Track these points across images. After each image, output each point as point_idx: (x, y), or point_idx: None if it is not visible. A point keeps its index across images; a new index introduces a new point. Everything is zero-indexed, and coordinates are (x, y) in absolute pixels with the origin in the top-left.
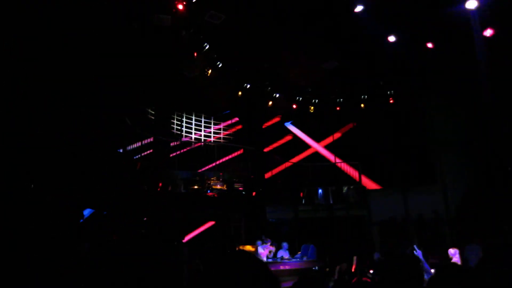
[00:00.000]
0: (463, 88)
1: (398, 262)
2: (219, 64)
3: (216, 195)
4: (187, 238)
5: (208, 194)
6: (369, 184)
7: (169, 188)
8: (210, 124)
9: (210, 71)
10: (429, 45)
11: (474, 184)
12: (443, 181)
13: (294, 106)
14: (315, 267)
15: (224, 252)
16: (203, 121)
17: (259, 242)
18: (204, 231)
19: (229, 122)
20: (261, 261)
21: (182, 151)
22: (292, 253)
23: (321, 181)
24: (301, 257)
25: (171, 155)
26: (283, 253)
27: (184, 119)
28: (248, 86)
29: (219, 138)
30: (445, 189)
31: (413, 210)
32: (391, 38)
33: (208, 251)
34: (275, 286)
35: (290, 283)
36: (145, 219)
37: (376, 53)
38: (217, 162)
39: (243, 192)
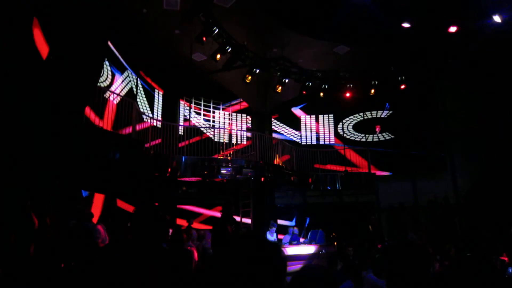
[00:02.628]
0: (477, 76)
1: (408, 249)
2: (228, 49)
3: (225, 181)
4: (195, 222)
5: (217, 179)
6: (378, 170)
7: (178, 174)
8: (219, 109)
9: (219, 56)
10: (452, 29)
11: (484, 172)
12: (453, 168)
13: (304, 92)
14: (322, 251)
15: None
16: (211, 106)
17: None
18: (213, 216)
19: (238, 107)
20: (272, 242)
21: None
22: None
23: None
24: (309, 242)
25: (180, 141)
26: (291, 238)
27: (192, 104)
28: (258, 71)
29: (228, 123)
30: (455, 177)
31: (422, 197)
32: (405, 24)
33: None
34: (283, 268)
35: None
36: (156, 204)
37: (388, 38)
38: (226, 148)
39: (252, 178)
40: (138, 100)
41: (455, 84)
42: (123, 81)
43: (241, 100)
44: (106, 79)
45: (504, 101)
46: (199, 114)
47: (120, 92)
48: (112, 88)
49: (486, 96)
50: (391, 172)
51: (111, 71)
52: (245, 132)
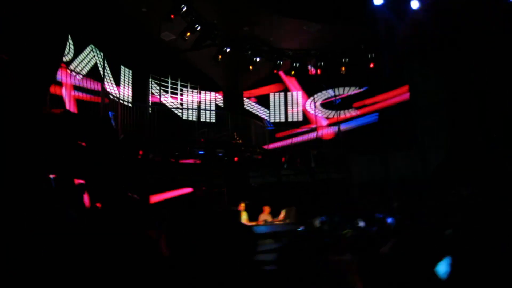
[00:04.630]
0: (444, 52)
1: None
2: (197, 27)
3: (198, 161)
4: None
5: (189, 160)
6: (350, 147)
7: (150, 156)
8: (187, 88)
9: (188, 34)
10: (414, 5)
11: (452, 147)
12: (422, 144)
13: (275, 71)
14: (300, 228)
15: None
16: (179, 85)
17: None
18: (184, 196)
19: (208, 86)
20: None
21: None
22: (274, 217)
23: (303, 145)
24: (284, 220)
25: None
26: (266, 217)
27: (160, 83)
28: (228, 50)
29: (198, 103)
30: (424, 152)
31: (393, 172)
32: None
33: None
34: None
35: (272, 245)
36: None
37: (358, 17)
38: (198, 129)
39: (225, 158)
40: (105, 79)
41: (423, 64)
42: (86, 56)
43: (213, 78)
44: (68, 53)
45: (468, 78)
46: (166, 92)
47: (83, 68)
48: (75, 64)
49: (451, 74)
50: (362, 148)
51: (72, 46)
52: (216, 111)
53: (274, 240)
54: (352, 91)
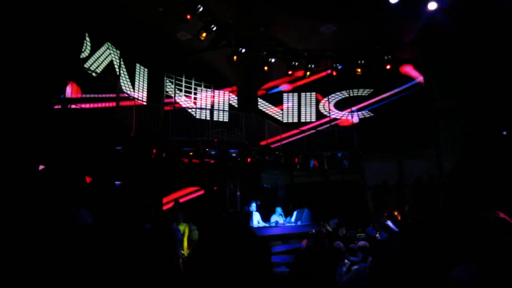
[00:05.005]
0: (462, 54)
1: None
2: (213, 28)
3: (211, 162)
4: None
5: (203, 160)
6: (364, 149)
7: (163, 155)
8: (201, 87)
9: (204, 34)
10: (432, 6)
11: (468, 150)
12: (437, 147)
13: (290, 72)
14: (312, 230)
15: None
16: (193, 84)
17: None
18: (198, 197)
19: (223, 86)
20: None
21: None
22: (286, 218)
23: (317, 146)
24: (296, 222)
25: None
26: (277, 218)
27: (174, 82)
28: (243, 50)
29: (213, 103)
30: (439, 155)
31: (407, 175)
32: (392, 0)
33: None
34: (265, 252)
35: (283, 247)
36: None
37: (375, 17)
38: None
39: (238, 159)
40: (120, 77)
41: (441, 63)
42: (102, 54)
43: (227, 78)
44: (85, 50)
45: (487, 79)
46: (180, 91)
47: (100, 65)
48: (91, 61)
49: (470, 74)
50: (376, 151)
51: (90, 43)
52: (229, 111)
53: (282, 242)
54: (367, 93)
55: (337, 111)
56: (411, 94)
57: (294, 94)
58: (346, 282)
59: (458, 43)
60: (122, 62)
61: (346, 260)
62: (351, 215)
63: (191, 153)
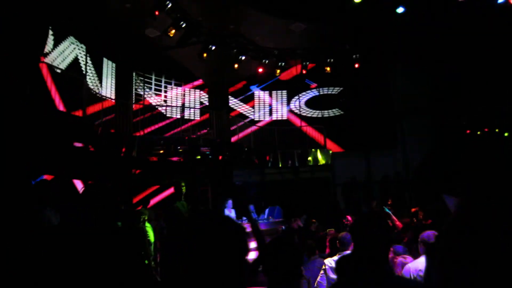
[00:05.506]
0: (428, 54)
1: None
2: (182, 24)
3: (182, 160)
4: (152, 202)
5: (173, 158)
6: (333, 147)
7: (133, 153)
8: (171, 84)
9: (173, 31)
10: (400, 10)
11: (433, 148)
12: (404, 145)
13: (261, 70)
14: (282, 227)
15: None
16: (163, 82)
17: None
18: (170, 196)
19: (193, 84)
20: (235, 222)
21: (145, 115)
22: (259, 215)
23: (287, 144)
24: (267, 218)
25: (134, 119)
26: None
27: (144, 80)
28: (213, 47)
29: (184, 102)
30: (406, 153)
31: (375, 172)
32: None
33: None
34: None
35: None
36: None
37: (343, 16)
38: (182, 126)
39: (210, 156)
40: (87, 74)
41: (406, 64)
42: (66, 49)
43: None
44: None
45: (451, 79)
46: (149, 89)
47: (64, 60)
48: (53, 55)
49: (434, 73)
50: (345, 149)
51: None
52: (200, 109)
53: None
54: (337, 91)
55: (309, 109)
56: (379, 93)
57: (266, 92)
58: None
59: (423, 43)
60: (88, 58)
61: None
62: (321, 211)
63: (161, 151)
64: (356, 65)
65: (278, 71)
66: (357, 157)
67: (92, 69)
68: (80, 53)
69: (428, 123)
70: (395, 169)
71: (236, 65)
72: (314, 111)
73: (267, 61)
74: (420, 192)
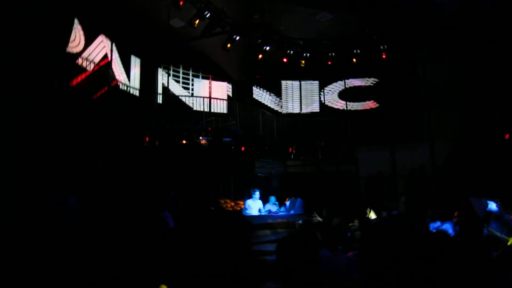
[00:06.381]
0: (458, 46)
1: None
2: (207, 14)
3: (205, 150)
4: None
5: (197, 148)
6: (357, 140)
7: (157, 143)
8: (199, 77)
9: (197, 21)
10: None
11: (460, 144)
12: (431, 138)
13: (285, 60)
14: (299, 221)
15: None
16: (191, 75)
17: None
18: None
19: (219, 76)
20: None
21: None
22: (280, 207)
23: (311, 136)
24: (288, 211)
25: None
26: (271, 207)
27: (172, 73)
28: (238, 38)
29: (211, 94)
30: (432, 146)
31: (401, 166)
32: None
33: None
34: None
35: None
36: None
37: (371, 6)
38: (206, 117)
39: (232, 147)
40: (114, 68)
41: (436, 55)
42: (96, 47)
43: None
44: (79, 44)
45: (483, 72)
46: (177, 82)
47: (94, 58)
48: (85, 54)
49: (465, 66)
50: (371, 142)
51: (84, 35)
52: (225, 101)
53: (271, 231)
54: (365, 82)
55: (341, 101)
56: (408, 85)
57: (294, 82)
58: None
59: (455, 35)
60: (116, 54)
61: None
62: (345, 205)
63: (184, 141)
64: (384, 56)
65: (303, 62)
66: (382, 150)
67: (120, 64)
68: (109, 49)
69: (457, 117)
70: (421, 162)
71: (260, 56)
72: (346, 102)
73: (291, 52)
74: (446, 187)
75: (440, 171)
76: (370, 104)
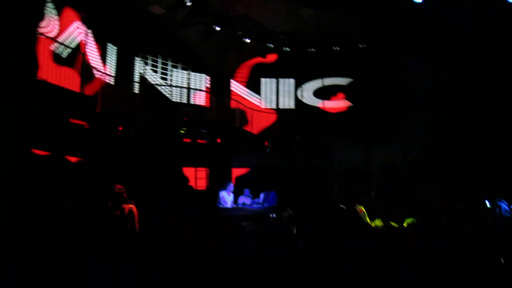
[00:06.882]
0: (434, 49)
1: None
2: (187, 2)
3: (180, 141)
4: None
5: (172, 139)
6: (332, 136)
7: (130, 132)
8: (178, 69)
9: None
10: None
11: (432, 143)
12: (404, 138)
13: (266, 56)
14: (272, 215)
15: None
16: (170, 65)
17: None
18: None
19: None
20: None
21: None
22: (254, 199)
23: (287, 131)
24: (262, 203)
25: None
26: (244, 199)
27: (149, 62)
28: (218, 28)
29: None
30: (405, 145)
31: (374, 163)
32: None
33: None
34: None
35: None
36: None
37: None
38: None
39: (208, 139)
40: (89, 55)
41: (415, 57)
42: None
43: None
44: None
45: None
46: (155, 72)
47: (70, 44)
48: (60, 39)
49: (442, 70)
50: (346, 139)
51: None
52: (203, 93)
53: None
54: (342, 81)
55: (315, 98)
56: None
57: (272, 80)
58: None
59: (431, 38)
60: (92, 42)
61: None
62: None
63: (159, 131)
64: (363, 55)
65: (277, 56)
66: (356, 146)
67: (96, 51)
68: (84, 36)
69: (432, 119)
70: (393, 161)
71: (240, 49)
72: (320, 100)
73: (272, 46)
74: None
75: (410, 170)
76: (346, 103)
